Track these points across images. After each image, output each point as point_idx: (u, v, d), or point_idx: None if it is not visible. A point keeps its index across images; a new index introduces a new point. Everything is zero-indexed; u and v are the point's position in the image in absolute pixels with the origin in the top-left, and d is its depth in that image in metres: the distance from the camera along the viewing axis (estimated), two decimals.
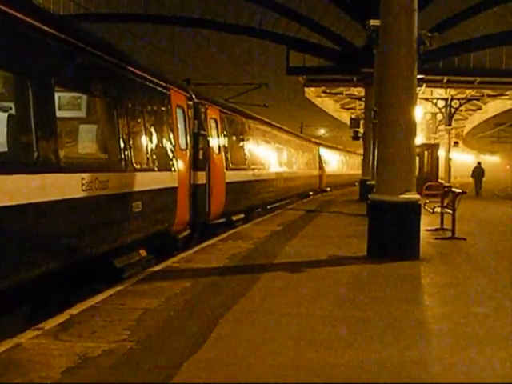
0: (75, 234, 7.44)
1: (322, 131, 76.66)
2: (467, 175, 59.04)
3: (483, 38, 27.70)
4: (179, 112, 12.06)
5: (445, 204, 14.35)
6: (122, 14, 29.05)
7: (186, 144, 12.27)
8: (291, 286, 7.79)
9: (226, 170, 15.26)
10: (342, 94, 39.07)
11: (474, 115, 50.65)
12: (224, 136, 15.52)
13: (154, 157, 10.29)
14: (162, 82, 11.17)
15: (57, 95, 7.19)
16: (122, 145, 8.94)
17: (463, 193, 13.75)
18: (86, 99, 8.55)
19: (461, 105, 39.44)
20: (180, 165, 11.62)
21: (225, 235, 13.32)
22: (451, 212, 13.11)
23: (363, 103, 30.60)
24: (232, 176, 15.75)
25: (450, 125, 39.70)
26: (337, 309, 6.63)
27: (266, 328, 5.80)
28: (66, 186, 7.12)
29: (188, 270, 8.86)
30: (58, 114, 7.30)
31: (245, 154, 18.20)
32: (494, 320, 6.26)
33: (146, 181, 9.74)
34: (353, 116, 36.47)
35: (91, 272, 8.33)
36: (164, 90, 11.28)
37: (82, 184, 7.44)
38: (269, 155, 22.33)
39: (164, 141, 10.96)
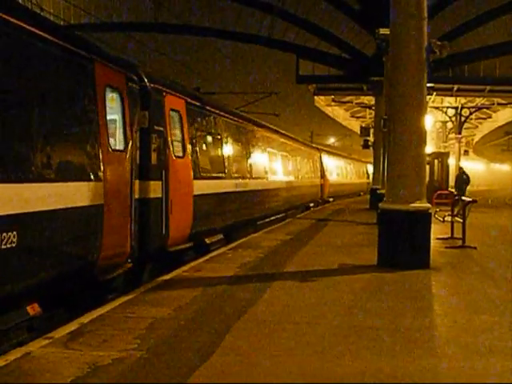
0: None
1: (331, 140, 76.89)
2: (477, 184, 58.68)
3: (493, 46, 27.62)
4: (112, 97, 8.76)
5: (455, 212, 14.30)
6: (132, 22, 29.17)
7: (125, 143, 8.95)
8: (301, 295, 7.77)
9: (195, 178, 11.77)
10: (351, 102, 39.09)
11: (484, 124, 50.51)
12: (192, 135, 12.03)
13: (51, 160, 6.81)
14: (76, 49, 7.70)
15: None
16: None
17: (474, 201, 13.70)
18: None
19: (471, 113, 39.36)
20: (111, 172, 8.24)
21: (234, 244, 13.31)
22: (461, 221, 13.05)
23: (373, 112, 30.58)
24: (203, 187, 12.28)
25: (460, 133, 39.60)
26: (347, 318, 6.60)
27: (276, 337, 5.78)
28: None
29: (198, 279, 8.85)
30: None
31: (224, 160, 14.54)
32: (504, 329, 6.21)
33: (26, 197, 6.28)
34: (363, 125, 36.53)
35: None
36: (81, 61, 7.81)
37: None
38: (258, 161, 18.53)
39: (75, 136, 7.55)
